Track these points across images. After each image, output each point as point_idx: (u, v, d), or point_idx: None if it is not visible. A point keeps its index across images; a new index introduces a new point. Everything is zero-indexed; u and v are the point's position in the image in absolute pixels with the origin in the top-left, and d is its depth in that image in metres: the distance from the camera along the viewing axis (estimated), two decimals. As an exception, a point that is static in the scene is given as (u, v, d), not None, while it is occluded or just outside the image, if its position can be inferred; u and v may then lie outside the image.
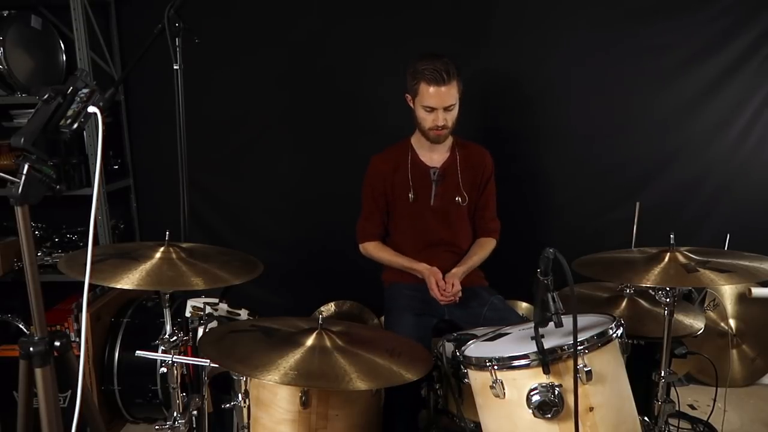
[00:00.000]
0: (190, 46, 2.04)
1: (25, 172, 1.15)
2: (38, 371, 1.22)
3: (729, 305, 2.86)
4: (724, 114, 2.83)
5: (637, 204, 2.45)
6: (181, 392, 1.77)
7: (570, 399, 1.39)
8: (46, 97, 1.19)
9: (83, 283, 1.22)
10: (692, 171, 2.89)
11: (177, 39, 1.99)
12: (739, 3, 2.73)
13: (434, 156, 2.35)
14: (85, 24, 2.68)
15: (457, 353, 1.65)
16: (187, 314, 1.99)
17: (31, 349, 1.22)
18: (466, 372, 1.60)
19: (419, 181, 2.32)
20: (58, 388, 1.25)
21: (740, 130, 2.84)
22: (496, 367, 1.47)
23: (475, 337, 1.77)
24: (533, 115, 2.91)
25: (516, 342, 1.66)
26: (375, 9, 2.85)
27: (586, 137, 2.90)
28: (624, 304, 2.22)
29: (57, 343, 1.24)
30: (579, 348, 1.40)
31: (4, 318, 2.55)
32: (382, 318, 2.51)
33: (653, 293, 1.99)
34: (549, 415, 1.41)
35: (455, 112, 2.21)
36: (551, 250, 1.37)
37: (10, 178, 1.16)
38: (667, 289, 1.81)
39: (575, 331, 1.33)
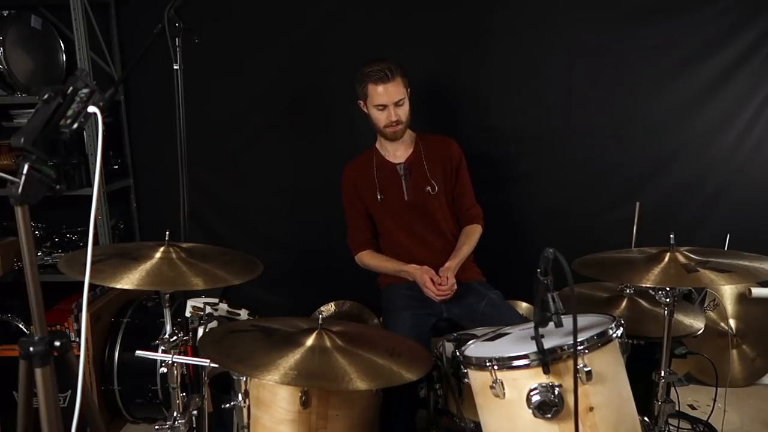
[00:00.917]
0: (190, 46, 2.04)
1: (25, 172, 1.15)
2: (38, 371, 1.22)
3: (729, 305, 2.86)
4: (724, 114, 2.83)
5: (637, 204, 2.44)
6: (181, 392, 1.77)
7: (570, 399, 1.39)
8: (46, 97, 1.19)
9: (83, 283, 1.22)
10: (692, 171, 2.88)
11: (177, 39, 2.00)
12: (739, 3, 2.72)
13: (398, 153, 2.41)
14: (85, 24, 2.68)
15: (457, 353, 1.65)
16: (187, 314, 2.00)
17: (31, 349, 1.21)
18: (466, 372, 1.60)
19: (388, 179, 2.38)
20: (58, 388, 1.24)
21: (740, 130, 2.84)
22: (496, 367, 1.47)
23: (475, 337, 1.77)
24: (533, 115, 2.91)
25: (516, 342, 1.66)
26: (375, 9, 2.86)
27: (586, 137, 2.90)
28: (624, 304, 2.22)
29: (57, 343, 1.23)
30: (579, 348, 1.40)
31: (4, 318, 2.56)
32: (382, 318, 2.51)
33: (653, 293, 1.99)
34: (549, 415, 1.41)
35: (406, 106, 2.30)
36: (551, 250, 1.36)
37: (10, 178, 1.16)
38: (667, 289, 1.82)
39: (575, 331, 1.33)
